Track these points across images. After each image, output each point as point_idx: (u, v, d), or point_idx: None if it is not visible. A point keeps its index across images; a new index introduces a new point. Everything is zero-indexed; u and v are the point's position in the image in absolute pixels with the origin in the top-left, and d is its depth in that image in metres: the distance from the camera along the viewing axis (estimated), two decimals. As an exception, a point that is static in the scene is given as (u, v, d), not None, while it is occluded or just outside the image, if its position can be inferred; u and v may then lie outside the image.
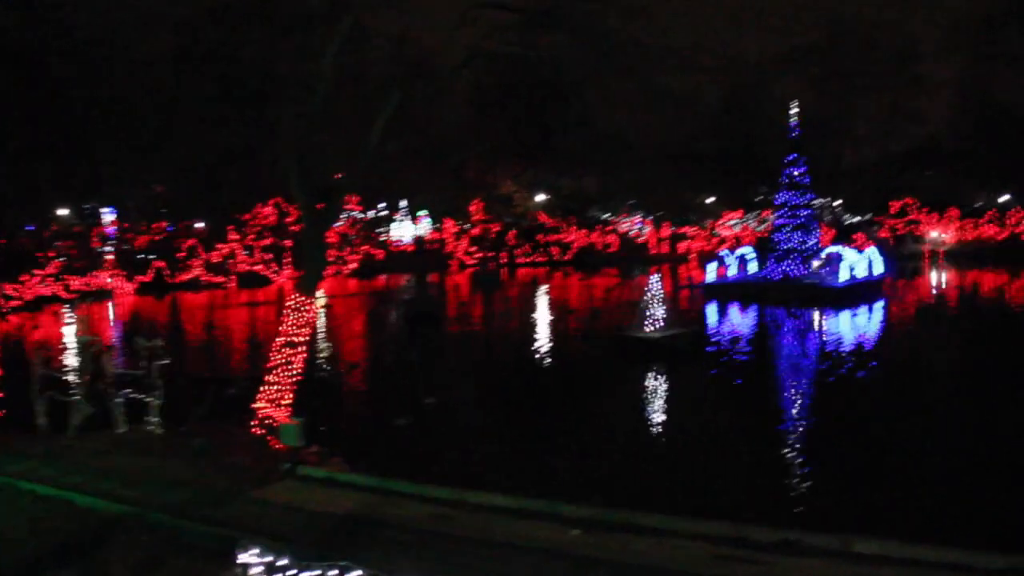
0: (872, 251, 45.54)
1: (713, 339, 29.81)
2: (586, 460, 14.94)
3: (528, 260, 79.30)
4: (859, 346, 28.42)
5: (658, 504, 10.84)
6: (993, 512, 11.58)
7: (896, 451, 14.93)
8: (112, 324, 42.96)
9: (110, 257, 59.34)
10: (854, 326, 34.28)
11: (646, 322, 27.01)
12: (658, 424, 18.46)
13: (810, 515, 11.37)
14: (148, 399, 15.08)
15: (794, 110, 48.40)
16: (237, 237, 63.11)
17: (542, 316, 41.78)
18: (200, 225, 67.45)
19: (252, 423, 14.93)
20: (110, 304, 52.30)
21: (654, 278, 27.91)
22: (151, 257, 62.00)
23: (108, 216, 62.61)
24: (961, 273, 57.86)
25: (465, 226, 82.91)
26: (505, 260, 78.96)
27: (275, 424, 14.24)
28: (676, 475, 14.01)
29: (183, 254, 61.74)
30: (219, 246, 62.35)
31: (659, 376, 23.59)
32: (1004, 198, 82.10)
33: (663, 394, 21.91)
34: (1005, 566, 7.41)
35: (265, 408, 15.09)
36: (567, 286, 59.13)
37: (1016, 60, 74.15)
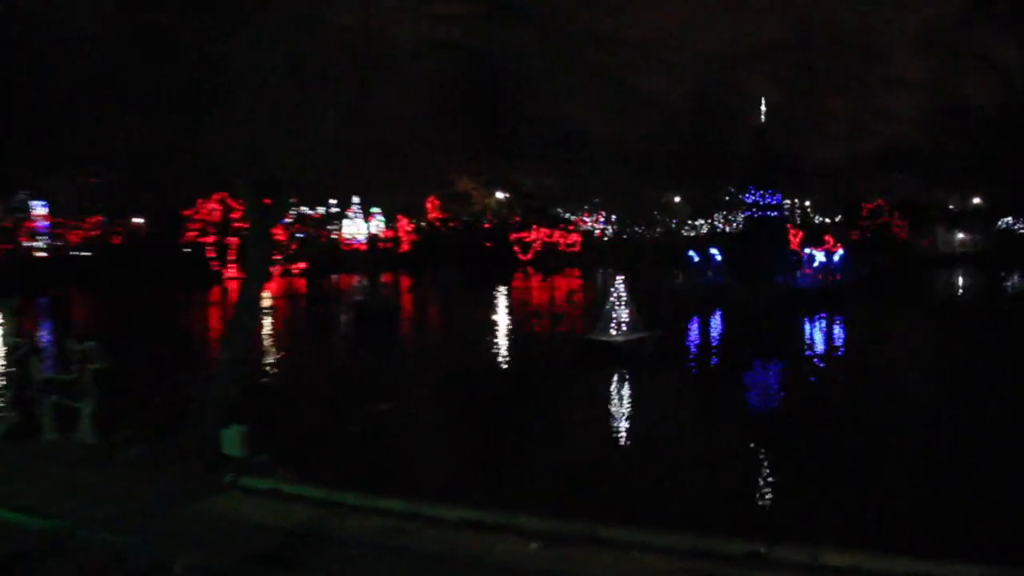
0: (841, 254, 46.00)
1: (678, 343, 29.75)
2: (545, 469, 14.58)
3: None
4: (825, 348, 28.75)
5: (621, 514, 10.53)
6: (969, 520, 11.60)
7: (862, 459, 14.91)
8: (43, 325, 41.00)
9: (41, 253, 56.80)
10: (821, 328, 34.65)
11: (610, 325, 26.74)
12: (619, 431, 18.24)
13: (779, 526, 11.20)
14: (80, 405, 14.16)
15: (763, 108, 48.73)
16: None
17: (502, 318, 41.41)
18: (139, 220, 65.16)
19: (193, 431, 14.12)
20: (42, 303, 49.97)
21: (619, 279, 27.71)
22: (86, 254, 59.63)
23: (39, 210, 59.88)
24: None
25: (420, 224, 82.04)
26: None
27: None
28: (638, 484, 13.77)
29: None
30: None
31: (622, 381, 23.37)
32: (976, 201, 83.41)
33: (625, 400, 21.72)
34: (976, 577, 7.33)
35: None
36: (529, 287, 58.93)
37: (986, 61, 75.60)
